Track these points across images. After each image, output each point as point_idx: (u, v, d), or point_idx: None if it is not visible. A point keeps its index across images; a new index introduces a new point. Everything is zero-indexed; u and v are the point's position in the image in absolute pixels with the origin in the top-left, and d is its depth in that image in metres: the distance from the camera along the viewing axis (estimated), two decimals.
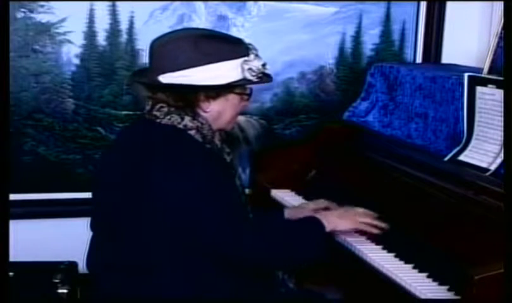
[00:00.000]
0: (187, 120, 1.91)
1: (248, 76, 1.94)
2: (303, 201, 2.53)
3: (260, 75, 1.97)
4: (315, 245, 1.98)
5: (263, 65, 1.97)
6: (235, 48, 1.94)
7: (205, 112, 1.94)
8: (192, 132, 1.91)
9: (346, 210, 2.15)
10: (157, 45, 1.94)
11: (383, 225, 2.09)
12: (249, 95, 2.02)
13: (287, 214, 2.26)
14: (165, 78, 1.89)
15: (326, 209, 2.21)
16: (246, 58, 1.93)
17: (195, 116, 1.93)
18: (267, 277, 2.03)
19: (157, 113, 1.92)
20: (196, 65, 1.88)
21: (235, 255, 1.87)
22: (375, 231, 2.09)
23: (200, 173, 1.83)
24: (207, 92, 1.92)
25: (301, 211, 2.23)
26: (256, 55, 1.96)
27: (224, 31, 2.33)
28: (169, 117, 1.91)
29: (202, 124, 1.93)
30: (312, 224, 2.02)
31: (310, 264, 2.04)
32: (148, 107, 1.96)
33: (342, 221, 2.07)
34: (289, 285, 2.11)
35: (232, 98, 1.97)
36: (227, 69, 1.91)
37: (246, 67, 1.93)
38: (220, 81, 1.90)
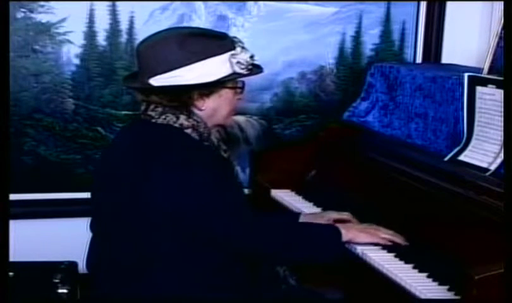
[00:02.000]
0: (182, 119, 1.92)
1: (238, 69, 1.94)
2: (303, 201, 2.53)
3: (250, 67, 1.97)
4: (328, 250, 1.98)
5: (251, 57, 1.98)
6: (221, 43, 1.94)
7: (200, 109, 1.95)
8: (188, 131, 1.91)
9: (369, 225, 2.12)
10: (144, 48, 1.94)
11: (403, 242, 2.06)
12: (242, 88, 2.03)
13: (305, 217, 2.23)
14: (157, 80, 1.89)
15: (346, 221, 2.20)
16: (232, 52, 1.94)
17: (190, 115, 1.93)
18: (268, 273, 2.03)
19: (152, 114, 1.93)
20: (185, 65, 1.88)
21: (242, 248, 1.87)
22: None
23: (199, 170, 1.84)
24: (199, 90, 1.93)
25: (319, 219, 2.21)
26: (243, 48, 1.96)
27: (224, 31, 2.33)
28: (164, 116, 1.92)
29: (198, 122, 1.93)
30: (329, 230, 2.03)
31: (318, 264, 2.04)
32: (143, 108, 1.96)
33: (362, 234, 2.05)
34: (290, 281, 2.12)
35: (226, 93, 1.98)
36: (216, 65, 1.91)
37: (234, 60, 1.93)
38: (211, 77, 1.91)
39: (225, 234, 1.85)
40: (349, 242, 2.03)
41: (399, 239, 2.06)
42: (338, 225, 2.07)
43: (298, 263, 2.08)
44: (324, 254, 1.97)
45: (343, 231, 2.01)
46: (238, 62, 1.94)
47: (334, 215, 2.22)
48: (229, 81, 1.96)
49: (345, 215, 2.21)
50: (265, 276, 2.00)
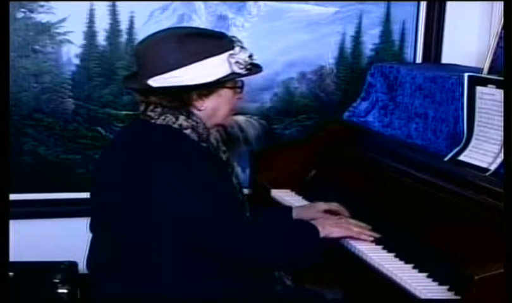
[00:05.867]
0: (182, 120, 1.92)
1: (236, 69, 1.94)
2: (303, 201, 2.53)
3: (249, 66, 1.97)
4: (309, 249, 1.98)
5: (250, 56, 1.98)
6: (219, 43, 1.94)
7: (200, 110, 1.95)
8: (187, 132, 1.91)
9: (340, 218, 2.16)
10: (142, 49, 1.94)
11: (376, 235, 2.09)
12: (242, 87, 2.03)
13: (296, 213, 2.25)
14: (156, 81, 1.89)
15: (335, 213, 2.22)
16: (231, 51, 1.94)
17: (189, 115, 1.93)
18: (263, 274, 2.03)
19: (152, 114, 1.93)
20: (184, 65, 1.88)
21: (229, 253, 1.88)
22: (368, 239, 2.08)
23: (196, 172, 1.84)
24: (198, 90, 1.93)
25: (310, 210, 2.24)
26: (242, 47, 1.96)
27: (224, 31, 2.33)
28: (163, 117, 1.92)
29: (197, 122, 1.93)
30: (307, 229, 2.03)
31: (303, 266, 2.05)
32: (142, 108, 1.96)
33: (336, 229, 2.07)
34: (286, 282, 2.12)
35: (225, 93, 1.98)
36: (215, 65, 1.91)
37: (232, 60, 1.93)
38: (210, 77, 1.91)
39: (214, 238, 1.85)
40: (324, 238, 2.03)
41: (370, 232, 2.09)
42: (314, 222, 2.07)
43: (281, 267, 2.08)
44: (305, 254, 1.98)
45: (319, 229, 2.02)
46: (237, 62, 1.94)
47: (323, 206, 2.24)
48: (228, 81, 1.96)
49: (334, 206, 2.24)
50: (260, 278, 2.00)
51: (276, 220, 2.23)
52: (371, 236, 2.09)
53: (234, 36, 2.00)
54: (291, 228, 2.09)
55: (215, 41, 1.94)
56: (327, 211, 2.23)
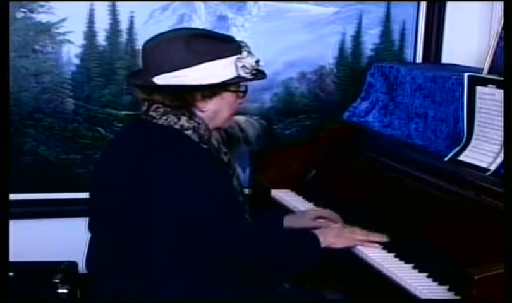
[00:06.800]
0: (183, 121, 1.91)
1: (242, 73, 1.95)
2: (303, 201, 2.53)
3: (254, 72, 1.97)
4: (308, 259, 1.99)
5: (257, 62, 1.98)
6: (228, 46, 1.94)
7: (202, 111, 1.95)
8: (189, 133, 1.91)
9: (343, 228, 2.14)
10: (150, 47, 1.94)
11: (381, 239, 2.09)
12: (245, 92, 2.03)
13: (287, 220, 2.25)
14: (160, 79, 1.89)
15: (326, 218, 2.23)
16: (239, 56, 1.94)
17: (191, 116, 1.93)
18: (264, 275, 2.02)
19: (153, 114, 1.92)
20: (190, 65, 1.88)
21: (230, 255, 1.87)
22: (373, 246, 2.08)
23: (196, 173, 1.83)
24: (202, 91, 1.93)
25: (302, 219, 2.24)
26: (249, 53, 1.97)
27: (223, 31, 2.33)
28: (165, 117, 1.91)
29: (199, 123, 1.93)
30: (309, 237, 2.04)
31: (299, 272, 2.05)
32: (144, 108, 1.96)
33: (339, 239, 2.06)
34: (284, 285, 2.12)
35: (228, 96, 1.98)
36: (221, 68, 1.91)
37: (239, 64, 1.94)
38: (215, 79, 1.91)
39: (214, 239, 1.85)
40: (326, 248, 2.03)
41: (376, 237, 2.09)
42: (316, 231, 2.07)
43: (278, 271, 2.05)
44: (304, 263, 1.99)
45: (321, 239, 2.02)
46: (243, 66, 1.94)
47: (314, 213, 2.27)
48: (232, 84, 1.96)
49: (326, 213, 2.26)
50: (260, 280, 1.99)
51: (276, 225, 2.23)
52: (375, 242, 2.08)
53: (242, 41, 1.99)
54: (292, 235, 2.08)
55: (224, 44, 1.94)
56: (318, 217, 2.23)
